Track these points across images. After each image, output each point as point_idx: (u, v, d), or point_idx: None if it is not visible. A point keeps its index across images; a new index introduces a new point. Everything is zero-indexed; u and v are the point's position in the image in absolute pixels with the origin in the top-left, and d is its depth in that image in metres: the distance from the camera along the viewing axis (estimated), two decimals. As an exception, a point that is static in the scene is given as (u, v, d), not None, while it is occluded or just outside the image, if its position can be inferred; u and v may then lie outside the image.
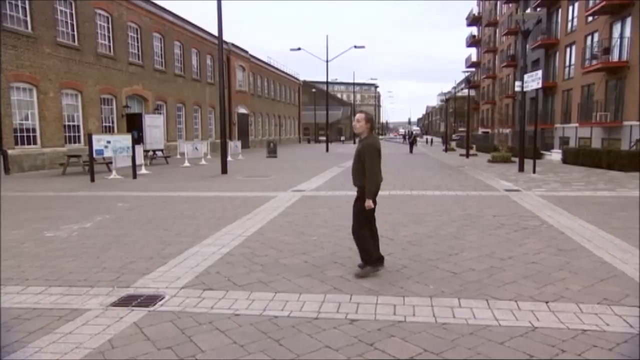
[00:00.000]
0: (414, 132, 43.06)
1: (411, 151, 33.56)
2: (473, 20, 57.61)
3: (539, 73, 16.05)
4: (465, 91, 56.74)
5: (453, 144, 42.66)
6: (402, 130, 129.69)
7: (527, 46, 22.35)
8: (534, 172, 15.72)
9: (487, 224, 7.20)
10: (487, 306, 3.80)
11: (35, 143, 17.63)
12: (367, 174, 4.53)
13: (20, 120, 16.99)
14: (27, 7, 17.08)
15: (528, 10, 28.90)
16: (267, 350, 3.12)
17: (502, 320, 3.52)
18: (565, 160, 20.65)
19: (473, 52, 60.30)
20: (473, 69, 60.19)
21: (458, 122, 69.70)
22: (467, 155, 27.66)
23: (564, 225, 6.98)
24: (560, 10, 29.64)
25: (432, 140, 62.70)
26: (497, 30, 47.38)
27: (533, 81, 16.10)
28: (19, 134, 16.89)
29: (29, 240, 6.33)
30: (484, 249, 5.67)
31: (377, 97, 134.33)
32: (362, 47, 36.44)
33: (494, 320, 3.53)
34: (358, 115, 4.69)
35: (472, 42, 58.50)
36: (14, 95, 16.58)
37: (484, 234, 6.47)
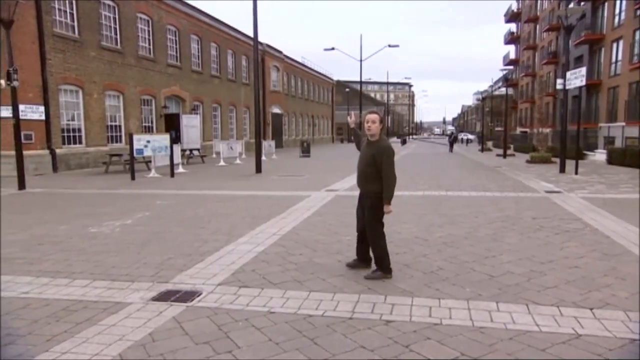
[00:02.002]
0: (453, 132, 43.23)
1: (451, 150, 34.58)
2: (512, 17, 55.94)
3: (583, 70, 15.41)
4: (503, 90, 55.19)
5: (489, 143, 41.58)
6: (437, 130, 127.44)
7: (570, 42, 21.48)
8: (576, 173, 15.11)
9: (526, 226, 6.98)
10: (527, 311, 3.69)
11: (80, 142, 18.43)
12: (385, 179, 4.37)
13: (67, 121, 17.81)
14: (75, 12, 17.88)
15: (571, 5, 27.80)
16: (302, 348, 3.15)
17: (543, 326, 3.40)
18: (611, 161, 19.73)
19: (511, 49, 58.56)
20: (511, 67, 58.45)
21: (495, 121, 67.86)
22: (505, 155, 26.91)
23: (609, 229, 6.67)
24: (606, 4, 28.34)
25: (467, 140, 61.34)
26: (538, 27, 45.82)
27: (576, 79, 15.47)
28: (65, 134, 17.71)
29: (75, 235, 6.63)
30: (523, 251, 5.50)
31: (411, 97, 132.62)
32: (397, 45, 36.19)
33: (535, 325, 3.42)
34: (371, 116, 4.42)
35: (511, 39, 56.80)
36: (61, 97, 17.40)
37: (522, 237, 6.28)
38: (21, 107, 12.35)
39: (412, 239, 6.20)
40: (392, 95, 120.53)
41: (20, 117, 11.90)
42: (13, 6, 10.82)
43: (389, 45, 35.65)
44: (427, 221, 7.41)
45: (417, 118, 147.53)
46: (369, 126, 4.44)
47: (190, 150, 22.16)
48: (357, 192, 9.26)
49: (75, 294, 4.21)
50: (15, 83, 11.36)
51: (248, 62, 35.01)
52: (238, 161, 21.76)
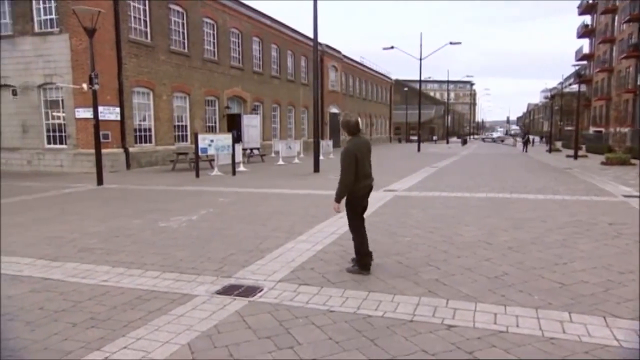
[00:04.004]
0: (527, 133, 42.37)
1: (525, 150, 34.47)
2: (586, 9, 52.29)
3: (669, 64, 14.06)
4: (574, 87, 51.71)
5: (558, 144, 39.31)
6: (500, 130, 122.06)
7: (654, 34, 19.66)
8: (660, 176, 13.85)
9: (601, 232, 6.50)
10: (605, 324, 3.44)
11: (150, 142, 19.57)
12: (339, 179, 4.62)
13: (139, 121, 18.98)
14: (148, 19, 19.03)
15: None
16: (362, 348, 3.14)
17: (623, 342, 3.16)
18: (701, 163, 17.88)
19: (585, 43, 54.75)
20: (584, 62, 54.69)
21: (565, 120, 63.83)
22: (576, 156, 25.23)
23: (700, 239, 6.06)
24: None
25: (533, 139, 58.35)
26: (616, 18, 42.50)
27: (661, 73, 14.15)
28: (137, 134, 18.88)
29: (147, 229, 7.05)
30: (599, 260, 5.13)
31: (473, 95, 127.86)
32: (459, 43, 34.98)
33: (614, 340, 3.18)
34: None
35: (585, 32, 53.09)
36: (134, 99, 18.57)
37: (597, 244, 5.86)
38: (100, 108, 13.32)
39: (474, 242, 6.00)
40: (452, 94, 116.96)
41: (99, 117, 12.83)
42: (96, 16, 11.70)
43: (451, 43, 34.55)
44: (491, 224, 7.12)
45: (479, 117, 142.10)
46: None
47: (251, 149, 22.79)
48: (415, 193, 9.18)
49: (147, 284, 4.48)
50: (96, 86, 12.28)
51: (307, 62, 35.43)
52: (296, 160, 22.09)
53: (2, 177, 15.77)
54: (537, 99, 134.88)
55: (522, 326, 3.43)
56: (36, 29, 16.91)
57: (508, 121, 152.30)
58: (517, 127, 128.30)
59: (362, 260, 4.76)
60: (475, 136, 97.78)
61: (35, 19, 16.92)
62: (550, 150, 33.82)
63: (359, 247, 4.79)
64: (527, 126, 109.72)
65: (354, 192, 4.71)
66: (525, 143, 36.28)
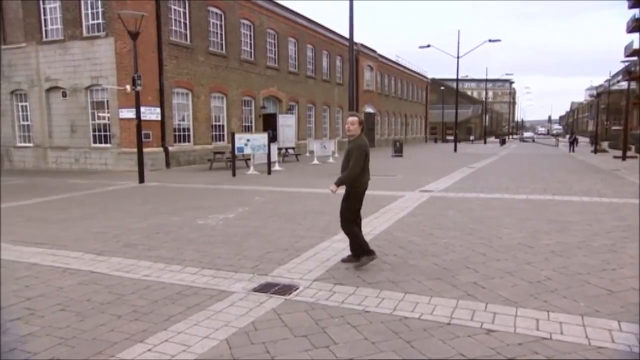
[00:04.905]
0: (573, 133, 41.39)
1: (572, 150, 33.89)
2: (637, 1, 49.52)
3: None
4: (622, 84, 49.21)
5: (605, 144, 37.62)
6: (541, 129, 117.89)
7: None
8: None
9: (653, 238, 6.16)
10: (657, 334, 3.26)
11: (188, 141, 20.10)
12: (349, 168, 4.85)
13: (178, 121, 19.54)
14: (188, 22, 19.56)
15: None
16: (398, 350, 3.12)
17: (677, 353, 2.99)
18: None
19: (636, 37, 51.89)
20: (635, 58, 51.86)
21: (612, 119, 60.81)
22: (624, 157, 23.99)
23: None
24: None
25: (577, 139, 56.01)
26: (670, 11, 40.04)
27: None
28: (176, 133, 19.43)
29: (186, 226, 7.25)
30: (650, 267, 4.87)
31: (512, 94, 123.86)
32: (498, 40, 33.90)
33: (666, 351, 3.02)
34: (351, 119, 5.01)
35: (635, 26, 50.32)
36: (174, 100, 19.13)
37: (649, 250, 5.55)
38: (142, 109, 13.79)
39: (514, 245, 5.82)
40: (490, 93, 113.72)
41: (141, 118, 13.29)
42: (139, 19, 12.14)
43: (490, 40, 33.56)
44: (532, 227, 6.89)
45: (519, 116, 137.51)
46: (348, 127, 5.02)
47: (286, 148, 22.99)
48: (452, 194, 9.00)
49: (187, 280, 4.61)
50: (138, 88, 12.74)
51: (342, 62, 35.40)
52: (331, 160, 22.10)
53: (53, 174, 16.62)
54: (581, 97, 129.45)
55: (567, 333, 3.30)
56: (84, 34, 17.70)
57: (550, 120, 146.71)
58: (560, 127, 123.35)
59: (364, 247, 4.93)
60: (515, 136, 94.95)
61: (84, 24, 17.72)
62: (595, 151, 32.35)
63: (354, 239, 4.97)
64: (571, 125, 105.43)
65: (360, 185, 4.99)
66: (572, 143, 35.31)
